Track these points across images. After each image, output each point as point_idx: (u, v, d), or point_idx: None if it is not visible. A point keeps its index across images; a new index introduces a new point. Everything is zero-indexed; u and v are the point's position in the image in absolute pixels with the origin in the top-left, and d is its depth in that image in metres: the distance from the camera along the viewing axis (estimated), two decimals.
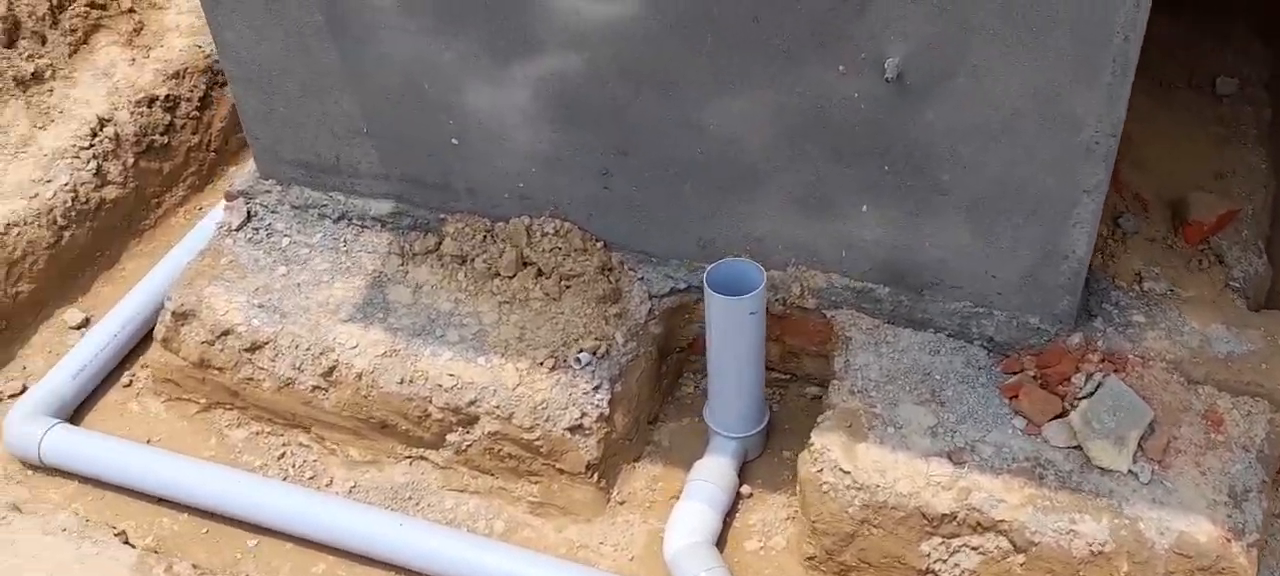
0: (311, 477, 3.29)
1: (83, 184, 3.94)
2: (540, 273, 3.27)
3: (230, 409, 3.46)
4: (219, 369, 3.36)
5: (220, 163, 4.50)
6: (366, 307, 3.32)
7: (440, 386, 3.09)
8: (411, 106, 3.27)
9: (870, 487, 2.76)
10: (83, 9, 4.37)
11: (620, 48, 2.89)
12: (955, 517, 2.70)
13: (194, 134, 4.39)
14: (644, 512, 3.13)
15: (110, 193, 4.03)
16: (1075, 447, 2.77)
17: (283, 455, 3.35)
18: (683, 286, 3.29)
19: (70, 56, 4.39)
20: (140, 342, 3.68)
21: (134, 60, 4.47)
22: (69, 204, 3.87)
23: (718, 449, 3.13)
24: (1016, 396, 2.89)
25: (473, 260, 3.36)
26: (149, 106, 4.23)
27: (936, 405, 2.91)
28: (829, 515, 2.83)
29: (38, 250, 3.76)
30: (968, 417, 2.88)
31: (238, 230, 3.64)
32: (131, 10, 4.50)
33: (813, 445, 2.87)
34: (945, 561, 2.76)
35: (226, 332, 3.32)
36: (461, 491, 3.19)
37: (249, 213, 3.66)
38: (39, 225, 3.77)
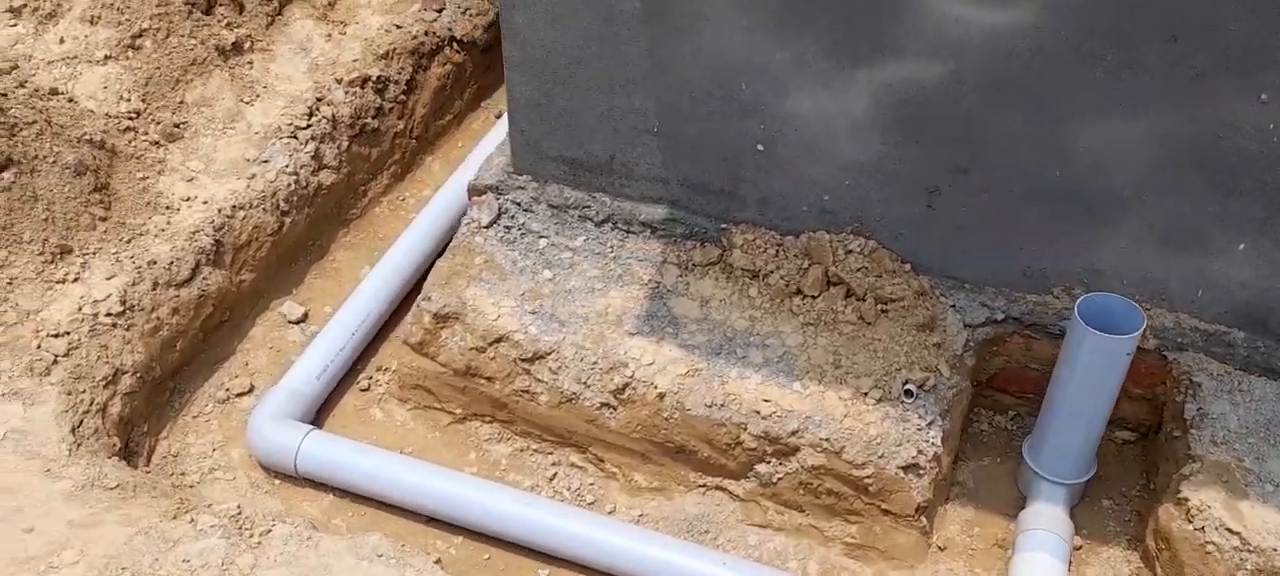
0: (592, 503, 3.01)
1: (303, 167, 3.65)
2: (850, 293, 3.03)
3: (491, 421, 3.18)
4: (488, 378, 3.08)
5: (420, 151, 4.23)
6: (652, 320, 3.06)
7: (756, 412, 2.83)
8: (718, 107, 3.03)
9: (1265, 551, 2.53)
10: None
11: (995, 59, 2.67)
12: None
13: (399, 119, 4.11)
14: (967, 560, 2.88)
15: (326, 178, 3.74)
16: None
17: (554, 476, 3.08)
18: (1000, 316, 3.05)
19: (267, 28, 4.10)
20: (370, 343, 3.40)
21: (330, 35, 4.20)
22: (291, 188, 3.58)
23: (1049, 496, 2.89)
24: None
25: (767, 275, 3.11)
26: (361, 87, 3.95)
27: None
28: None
29: (262, 237, 3.47)
30: None
31: (487, 227, 3.36)
32: None
33: (1187, 501, 2.64)
34: None
35: (500, 340, 3.05)
36: (765, 527, 2.93)
37: (499, 209, 3.39)
38: (263, 209, 3.48)
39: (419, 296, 3.20)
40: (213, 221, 3.33)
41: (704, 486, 3.00)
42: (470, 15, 4.45)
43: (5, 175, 3.07)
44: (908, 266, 3.09)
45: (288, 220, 3.55)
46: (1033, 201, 2.88)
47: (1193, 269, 2.85)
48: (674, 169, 3.22)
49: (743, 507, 2.96)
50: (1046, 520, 2.82)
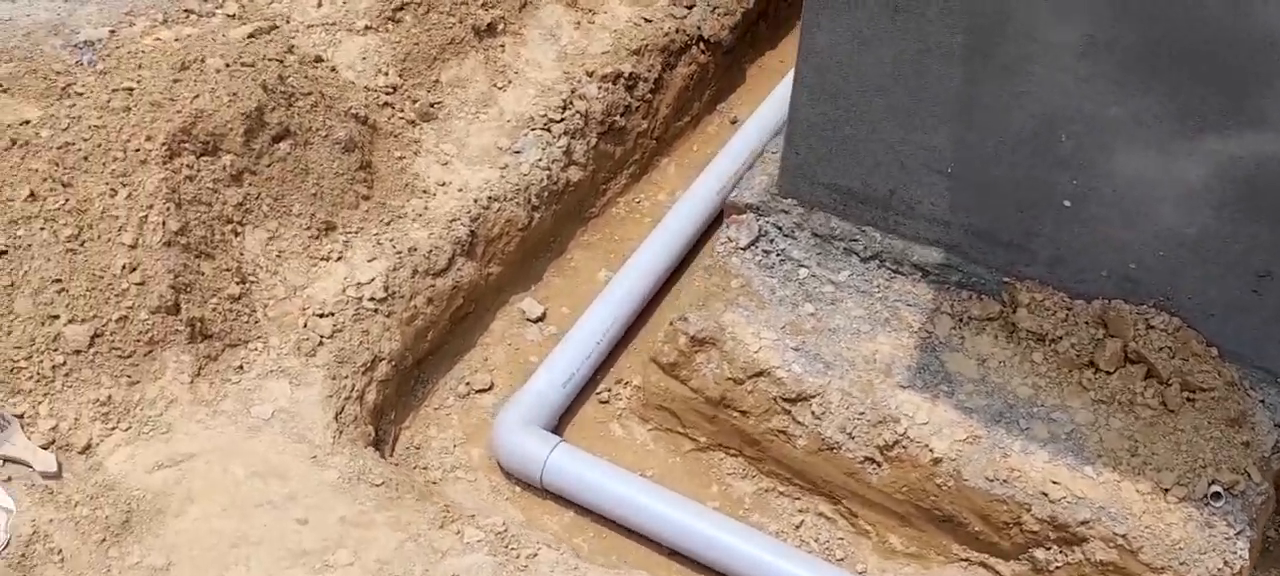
0: (842, 559, 2.84)
1: (554, 162, 3.55)
2: (1150, 374, 2.76)
3: (737, 455, 3.03)
4: (743, 412, 2.93)
5: (658, 152, 4.10)
6: (924, 374, 2.85)
7: (1044, 494, 2.61)
8: (1027, 155, 2.79)
9: None
10: None
11: None
12: None
13: (644, 119, 3.98)
14: None
15: (574, 175, 3.64)
16: None
17: (800, 524, 2.91)
18: None
19: (519, 11, 4.01)
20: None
21: (579, 23, 4.09)
22: (543, 183, 3.49)
23: None
24: None
25: (1055, 341, 2.87)
26: (613, 83, 3.83)
27: None
28: None
29: (512, 231, 3.38)
30: None
31: (745, 249, 3.20)
32: None
33: None
34: None
35: (760, 374, 2.89)
36: None
37: (759, 231, 3.23)
38: (516, 203, 3.40)
39: (674, 316, 3.06)
40: (469, 211, 3.26)
41: (967, 560, 2.79)
42: (719, 14, 4.28)
43: (281, 145, 3.05)
44: (1214, 352, 2.81)
45: (536, 215, 3.46)
46: None
47: None
48: (960, 212, 3.00)
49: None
50: None
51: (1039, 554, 2.66)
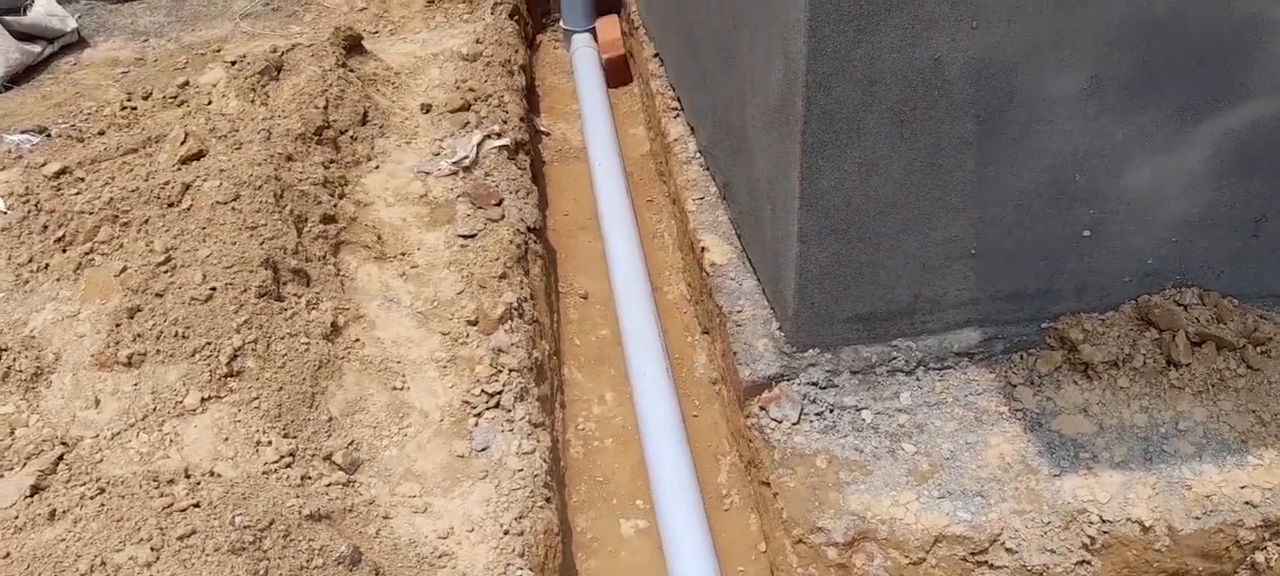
0: None
1: (527, 437, 2.96)
2: (1220, 347, 2.91)
3: None
4: None
5: (561, 363, 3.59)
6: (1058, 451, 2.77)
7: (1246, 503, 2.63)
8: (1045, 206, 2.81)
9: None
10: None
11: None
12: None
13: (545, 339, 3.46)
14: None
15: (544, 439, 3.06)
16: None
17: None
18: None
19: (340, 288, 3.33)
20: None
21: (405, 275, 3.49)
22: (540, 471, 2.89)
23: None
24: None
25: (1127, 359, 2.92)
26: (510, 319, 3.28)
27: None
28: None
29: (552, 537, 2.76)
30: None
31: (798, 423, 2.91)
32: None
33: None
34: None
35: (937, 540, 2.62)
36: None
37: (801, 398, 2.94)
38: (540, 502, 2.77)
39: (798, 529, 2.68)
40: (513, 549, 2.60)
41: None
42: (521, 194, 3.87)
43: None
44: (1234, 302, 3.03)
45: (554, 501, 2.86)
46: None
47: None
48: (986, 286, 2.95)
49: None
50: None
51: (1259, 557, 2.68)
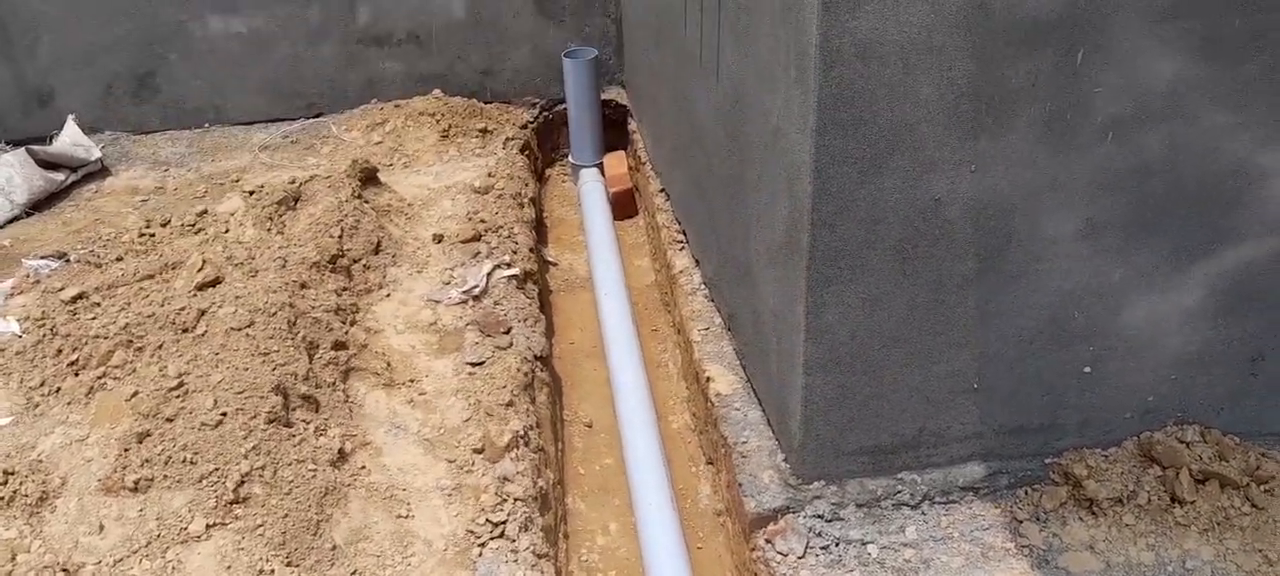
0: None
1: (532, 569, 2.95)
2: (1223, 485, 2.92)
3: None
4: None
5: (564, 493, 3.59)
6: None
7: None
8: (1046, 343, 2.86)
9: None
10: None
11: None
12: None
13: (550, 469, 3.47)
14: None
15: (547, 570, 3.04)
16: None
17: None
18: None
19: (349, 415, 3.35)
20: None
21: (413, 402, 3.52)
22: None
23: None
24: None
25: (1131, 496, 2.93)
26: (516, 447, 3.30)
27: None
28: None
29: None
30: None
31: (804, 557, 2.90)
32: None
33: None
34: None
35: None
36: None
37: (808, 531, 2.94)
38: None
39: None
40: None
41: None
42: (529, 323, 3.93)
43: None
44: (1237, 440, 3.05)
45: None
46: None
47: None
48: (989, 420, 2.98)
49: None
50: None
51: None
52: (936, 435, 2.99)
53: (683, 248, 4.40)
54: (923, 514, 3.00)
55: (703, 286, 4.11)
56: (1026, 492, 3.01)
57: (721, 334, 3.80)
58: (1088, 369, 2.93)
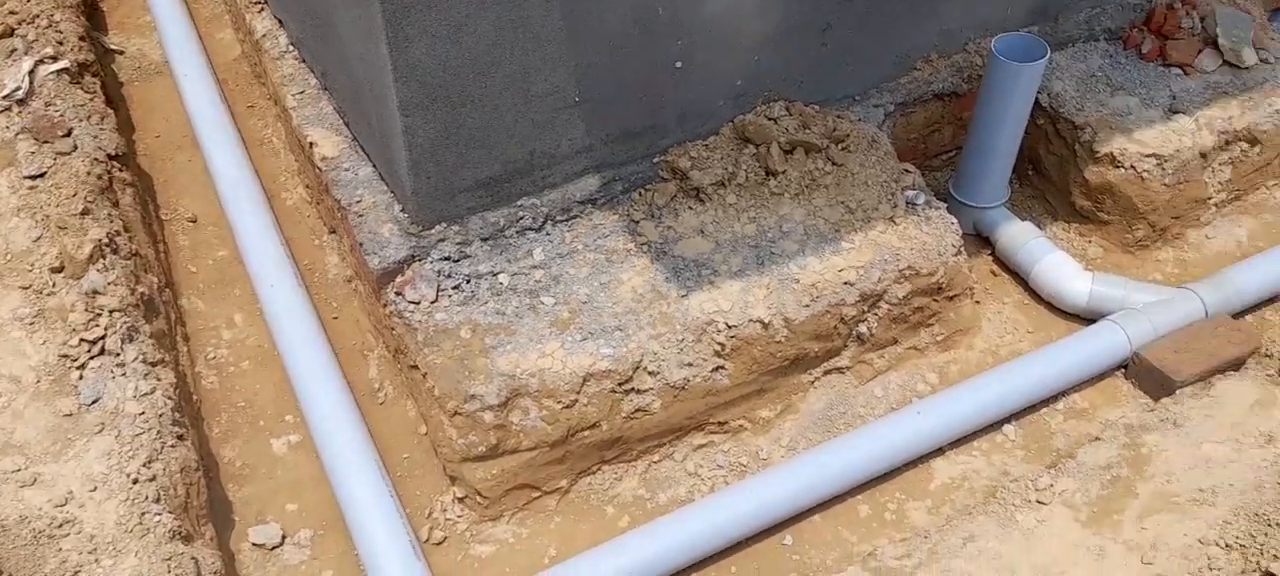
0: (744, 463, 2.89)
1: None
2: (808, 150, 3.16)
3: (600, 467, 2.85)
4: (592, 426, 2.73)
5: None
6: (684, 274, 2.92)
7: (845, 283, 2.91)
8: (637, 45, 2.89)
9: (1168, 155, 3.33)
10: None
11: None
12: (1226, 143, 3.41)
13: None
14: (999, 300, 3.33)
15: None
16: (1223, 64, 3.60)
17: (696, 469, 2.88)
18: (891, 109, 3.43)
19: None
20: None
21: None
22: None
23: (1012, 217, 3.44)
24: (1162, 54, 3.62)
25: (731, 179, 3.11)
26: None
27: (1124, 91, 3.53)
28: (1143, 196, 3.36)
29: None
30: (1144, 85, 3.55)
31: (437, 300, 2.87)
32: None
33: (1110, 154, 3.33)
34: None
35: (586, 379, 2.70)
36: (875, 376, 3.07)
37: (438, 274, 2.90)
38: None
39: (451, 402, 2.66)
40: None
41: (814, 380, 3.03)
42: None
43: None
44: (817, 108, 3.30)
45: None
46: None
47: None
48: (597, 131, 3.02)
49: (855, 372, 3.06)
50: (1028, 230, 3.36)
51: (862, 329, 3.00)
52: (548, 155, 2.98)
53: (262, 9, 3.99)
54: (547, 234, 3.03)
55: (290, 48, 3.77)
56: (640, 194, 3.12)
57: (319, 95, 3.54)
58: (679, 64, 3.00)
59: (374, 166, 3.18)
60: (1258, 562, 2.20)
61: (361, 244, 2.97)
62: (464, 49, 2.64)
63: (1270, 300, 3.29)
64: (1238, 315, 3.21)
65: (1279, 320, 3.24)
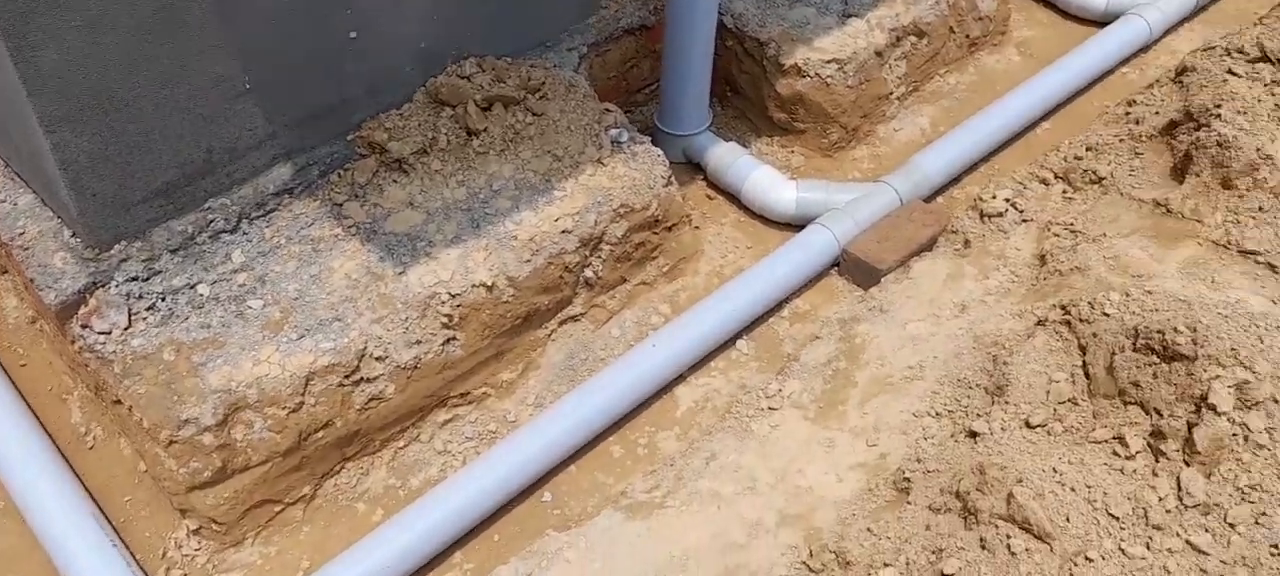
0: (494, 429, 2.84)
1: None
2: (506, 104, 3.11)
3: (343, 466, 2.71)
4: (325, 425, 2.60)
5: None
6: (398, 250, 2.82)
7: (563, 232, 2.90)
8: (302, 21, 2.73)
9: (845, 57, 3.51)
10: None
11: None
12: (897, 39, 3.63)
13: None
14: (717, 222, 3.42)
15: None
16: None
17: (446, 445, 2.81)
18: (586, 49, 3.43)
19: None
20: None
21: None
22: None
23: (717, 139, 3.53)
24: None
25: (432, 144, 3.02)
26: None
27: (801, 2, 3.68)
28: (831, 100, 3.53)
29: None
30: None
31: (131, 326, 2.64)
32: None
33: (795, 66, 3.48)
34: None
35: (310, 378, 2.56)
36: (609, 318, 3.09)
37: (127, 300, 2.66)
38: None
39: (165, 431, 2.45)
40: None
41: (551, 333, 3.00)
42: None
43: None
44: (510, 60, 3.24)
45: None
46: None
47: None
48: (278, 115, 2.84)
49: (589, 317, 3.06)
50: (735, 150, 3.47)
51: (588, 274, 3.00)
52: (228, 150, 2.78)
53: None
54: (244, 234, 2.84)
55: None
56: (339, 175, 2.97)
57: None
58: (353, 33, 2.86)
59: (35, 193, 2.86)
60: (963, 424, 2.38)
61: (33, 280, 2.67)
62: (105, 49, 2.40)
63: (955, 181, 3.56)
64: (928, 199, 3.44)
65: (963, 196, 3.51)
